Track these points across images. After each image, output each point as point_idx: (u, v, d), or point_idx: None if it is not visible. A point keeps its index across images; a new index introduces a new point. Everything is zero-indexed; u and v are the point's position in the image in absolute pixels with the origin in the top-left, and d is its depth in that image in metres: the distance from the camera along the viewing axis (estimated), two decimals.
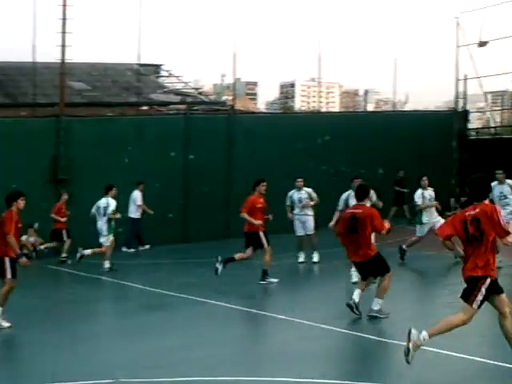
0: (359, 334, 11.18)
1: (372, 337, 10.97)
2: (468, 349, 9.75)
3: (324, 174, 25.91)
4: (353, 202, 14.12)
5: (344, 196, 16.26)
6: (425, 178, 18.27)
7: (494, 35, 32.52)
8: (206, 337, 11.26)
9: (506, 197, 16.74)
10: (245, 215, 15.87)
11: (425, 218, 17.98)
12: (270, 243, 16.00)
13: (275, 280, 15.94)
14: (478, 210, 8.67)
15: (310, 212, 18.73)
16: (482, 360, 9.32)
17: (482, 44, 31.90)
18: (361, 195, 12.49)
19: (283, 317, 12.49)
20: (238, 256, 15.96)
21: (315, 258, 18.64)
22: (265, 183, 16.25)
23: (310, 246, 18.77)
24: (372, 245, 12.28)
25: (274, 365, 9.67)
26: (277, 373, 9.08)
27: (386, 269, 12.10)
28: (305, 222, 18.69)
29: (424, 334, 8.50)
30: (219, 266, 15.58)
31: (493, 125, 34.65)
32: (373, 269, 12.13)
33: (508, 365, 8.88)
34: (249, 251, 15.96)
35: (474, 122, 46.08)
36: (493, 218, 8.56)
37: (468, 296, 8.57)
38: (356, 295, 12.06)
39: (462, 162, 29.92)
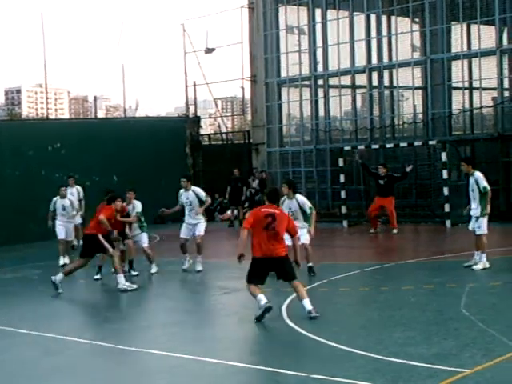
0: (105, 344, 10.79)
1: (117, 346, 10.60)
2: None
3: (57, 182, 25.11)
4: None
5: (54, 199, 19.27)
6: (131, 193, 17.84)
7: (220, 42, 33.43)
8: None
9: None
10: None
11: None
12: None
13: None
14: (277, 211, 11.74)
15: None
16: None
17: (209, 51, 32.69)
18: None
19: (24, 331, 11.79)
20: None
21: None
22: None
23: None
24: None
25: None
26: None
27: None
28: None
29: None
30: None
31: (224, 130, 35.59)
32: None
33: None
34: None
35: (206, 128, 47.18)
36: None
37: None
38: None
39: (196, 167, 30.37)
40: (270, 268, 11.75)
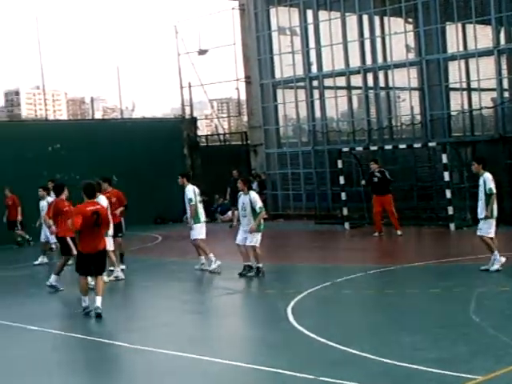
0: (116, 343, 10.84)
1: (124, 344, 10.69)
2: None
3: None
4: None
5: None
6: None
7: (213, 44, 33.37)
8: None
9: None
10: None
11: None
12: None
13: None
14: (98, 206, 12.70)
15: None
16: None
17: (202, 52, 32.68)
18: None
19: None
20: None
21: None
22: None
23: None
24: None
25: None
26: None
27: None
28: None
29: None
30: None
31: (221, 131, 35.56)
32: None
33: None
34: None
35: (203, 129, 47.19)
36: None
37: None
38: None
39: (194, 168, 30.37)
40: (93, 261, 12.62)
